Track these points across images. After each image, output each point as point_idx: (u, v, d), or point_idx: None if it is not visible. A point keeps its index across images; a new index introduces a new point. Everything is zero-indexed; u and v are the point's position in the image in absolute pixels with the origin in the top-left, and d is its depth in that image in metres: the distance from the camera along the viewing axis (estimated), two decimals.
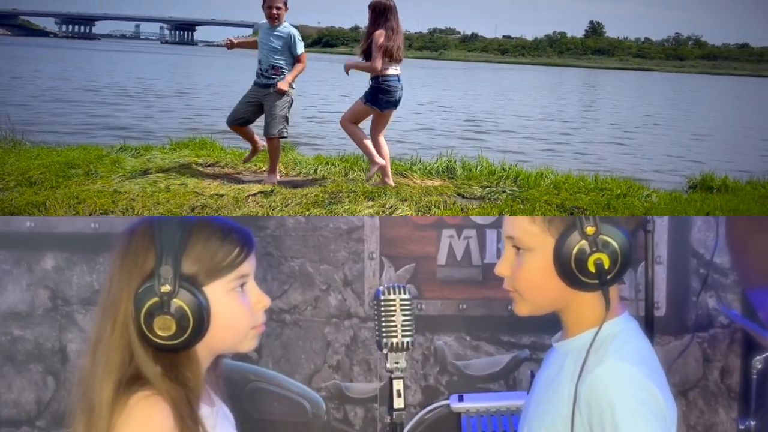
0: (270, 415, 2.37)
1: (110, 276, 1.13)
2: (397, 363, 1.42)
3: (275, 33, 4.56)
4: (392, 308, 1.40)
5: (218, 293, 1.12)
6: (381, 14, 4.43)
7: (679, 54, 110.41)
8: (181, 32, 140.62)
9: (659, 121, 17.63)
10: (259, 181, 4.67)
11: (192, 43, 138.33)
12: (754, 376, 2.11)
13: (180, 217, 1.15)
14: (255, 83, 4.66)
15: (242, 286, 1.16)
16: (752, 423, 2.10)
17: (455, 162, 5.69)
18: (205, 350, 1.14)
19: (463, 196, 4.59)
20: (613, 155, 10.42)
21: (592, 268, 1.18)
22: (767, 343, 2.02)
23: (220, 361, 1.21)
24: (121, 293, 1.10)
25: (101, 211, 3.72)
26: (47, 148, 5.99)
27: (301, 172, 5.15)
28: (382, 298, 1.40)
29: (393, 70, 4.46)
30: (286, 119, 4.62)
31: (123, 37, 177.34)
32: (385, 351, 1.41)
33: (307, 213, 3.92)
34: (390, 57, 4.38)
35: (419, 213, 4.05)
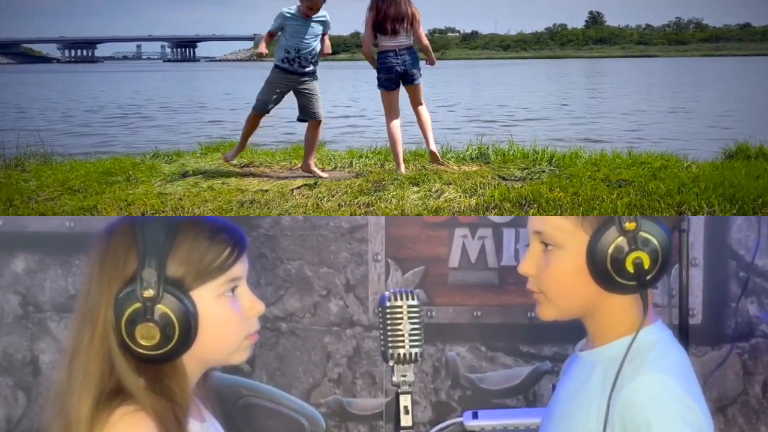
0: None
1: (88, 280, 1.03)
2: (404, 376, 1.27)
3: (314, 21, 4.53)
4: (399, 316, 1.25)
5: (207, 298, 1.02)
6: None
7: (681, 38, 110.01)
8: (183, 49, 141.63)
9: (670, 102, 17.54)
10: (300, 177, 4.67)
11: (194, 59, 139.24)
12: None
13: (165, 217, 1.09)
14: (286, 71, 4.61)
15: (233, 290, 1.05)
16: None
17: (487, 148, 5.68)
18: (193, 361, 1.04)
19: (504, 178, 4.57)
20: (638, 136, 10.36)
21: (630, 269, 1.05)
22: None
23: (210, 374, 1.12)
24: (101, 298, 1.00)
25: (153, 212, 3.73)
26: (78, 161, 6.02)
27: (336, 166, 5.16)
28: (388, 304, 1.25)
29: (388, 44, 4.35)
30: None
31: (125, 58, 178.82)
32: (391, 363, 1.26)
33: (355, 201, 3.91)
34: (382, 32, 4.30)
35: (465, 195, 4.03)
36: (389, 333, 1.25)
